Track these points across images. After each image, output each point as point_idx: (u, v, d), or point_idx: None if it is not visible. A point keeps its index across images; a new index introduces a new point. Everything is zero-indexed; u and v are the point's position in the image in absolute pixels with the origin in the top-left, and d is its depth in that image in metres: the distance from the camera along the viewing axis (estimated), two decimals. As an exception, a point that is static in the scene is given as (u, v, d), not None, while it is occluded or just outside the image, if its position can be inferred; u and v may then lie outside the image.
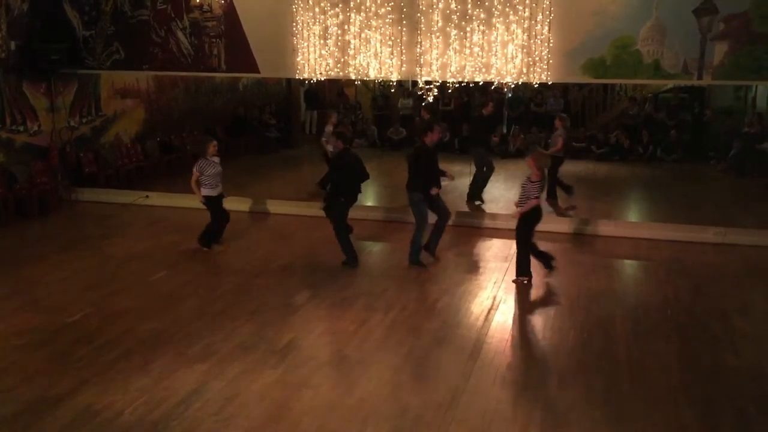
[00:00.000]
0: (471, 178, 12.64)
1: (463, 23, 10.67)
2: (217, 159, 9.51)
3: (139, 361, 6.26)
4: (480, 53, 10.68)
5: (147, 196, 12.74)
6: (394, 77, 11.33)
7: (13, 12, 12.02)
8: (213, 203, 9.53)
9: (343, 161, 9.06)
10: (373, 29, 11.05)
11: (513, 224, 10.92)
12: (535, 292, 8.19)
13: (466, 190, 12.61)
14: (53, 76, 12.71)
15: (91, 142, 13.90)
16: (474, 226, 11.10)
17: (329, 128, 12.84)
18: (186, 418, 5.31)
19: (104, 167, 13.77)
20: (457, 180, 11.31)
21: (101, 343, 6.65)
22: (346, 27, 11.18)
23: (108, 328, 7.01)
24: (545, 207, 9.31)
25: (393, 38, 10.99)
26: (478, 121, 13.51)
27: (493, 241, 10.39)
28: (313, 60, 11.43)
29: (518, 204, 8.39)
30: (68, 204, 12.67)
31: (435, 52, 10.86)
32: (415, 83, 11.59)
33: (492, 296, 8.03)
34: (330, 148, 12.57)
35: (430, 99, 11.70)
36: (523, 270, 8.45)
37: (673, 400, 5.66)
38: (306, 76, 11.62)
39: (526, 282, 8.43)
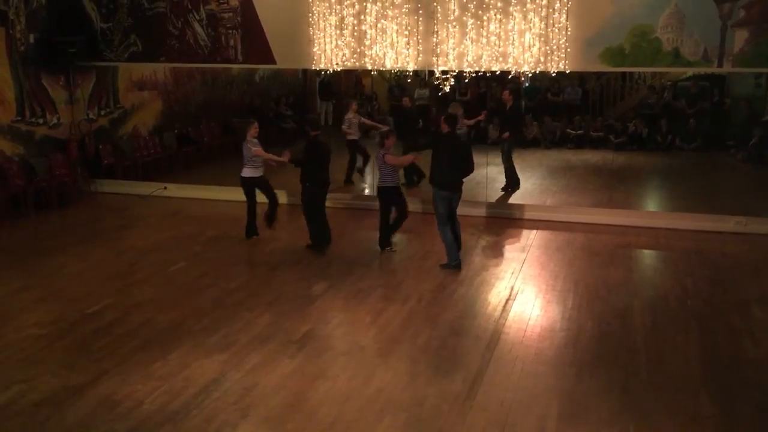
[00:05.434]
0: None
1: (480, 12, 10.61)
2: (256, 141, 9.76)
3: (159, 352, 6.31)
4: (497, 42, 10.62)
5: (165, 188, 12.83)
6: (411, 67, 11.29)
7: (32, 5, 12.12)
8: (253, 184, 9.73)
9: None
10: (390, 19, 11.01)
11: (530, 214, 11.01)
12: (553, 283, 8.15)
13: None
14: (72, 68, 12.81)
15: (110, 134, 14.00)
16: (491, 216, 11.07)
17: (350, 116, 12.85)
18: (205, 407, 5.35)
19: (122, 159, 13.86)
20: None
21: (121, 334, 6.72)
22: (362, 17, 11.15)
23: (127, 319, 7.08)
24: None
25: (409, 28, 10.95)
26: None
27: (511, 231, 10.34)
28: (329, 50, 11.41)
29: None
30: (87, 196, 12.77)
31: (451, 41, 10.81)
32: (431, 73, 11.53)
33: (510, 286, 8.01)
34: (353, 136, 12.70)
35: (447, 89, 11.65)
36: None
37: (691, 391, 5.62)
38: (322, 66, 11.62)
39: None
